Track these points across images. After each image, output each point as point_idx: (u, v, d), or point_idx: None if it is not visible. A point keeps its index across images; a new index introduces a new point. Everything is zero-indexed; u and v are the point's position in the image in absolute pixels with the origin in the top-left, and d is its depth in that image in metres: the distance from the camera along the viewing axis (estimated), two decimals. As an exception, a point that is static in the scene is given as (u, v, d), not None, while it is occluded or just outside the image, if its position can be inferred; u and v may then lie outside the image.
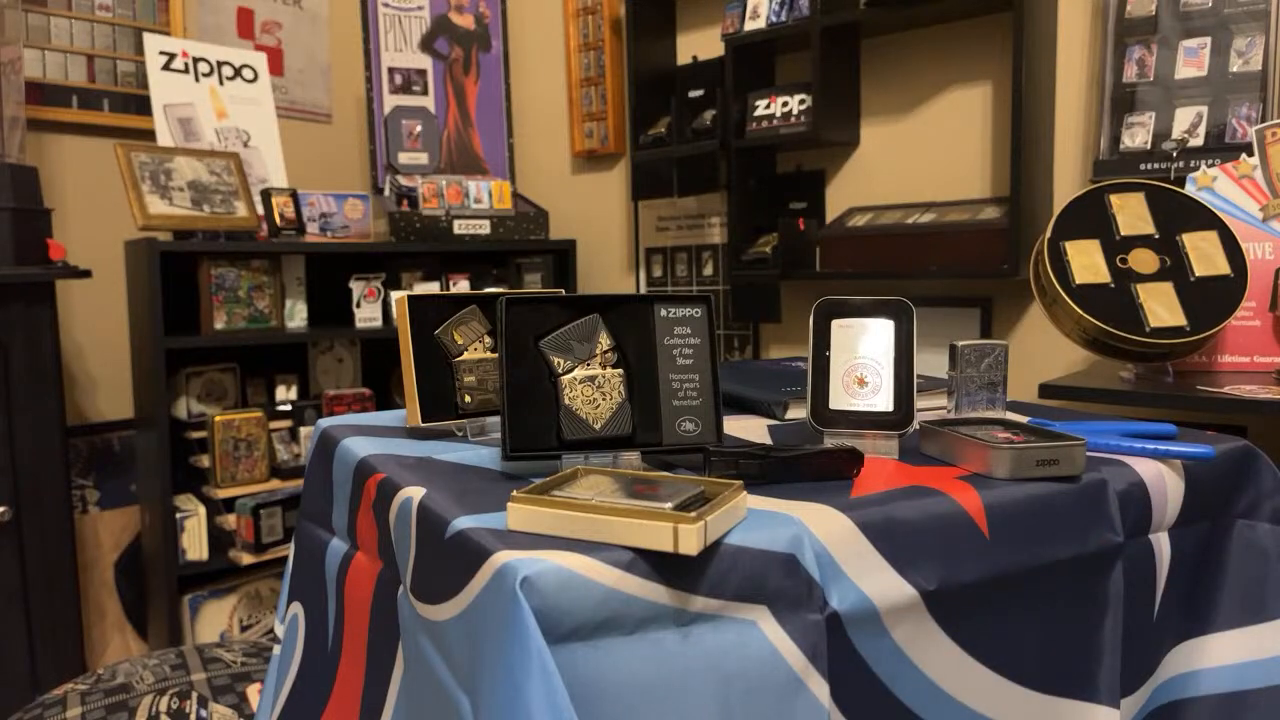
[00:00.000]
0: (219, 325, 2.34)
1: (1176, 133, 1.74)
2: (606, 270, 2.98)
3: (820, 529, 0.67)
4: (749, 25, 2.24)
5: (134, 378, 2.52)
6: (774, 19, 2.19)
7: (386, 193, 2.74)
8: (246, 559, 2.38)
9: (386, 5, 2.85)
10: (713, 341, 0.84)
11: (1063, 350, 1.94)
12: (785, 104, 2.21)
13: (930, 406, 1.10)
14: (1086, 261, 1.38)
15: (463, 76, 2.96)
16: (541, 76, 3.09)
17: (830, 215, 2.35)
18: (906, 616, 0.70)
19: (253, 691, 1.42)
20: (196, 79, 2.48)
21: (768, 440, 0.95)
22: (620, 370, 0.82)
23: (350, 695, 0.89)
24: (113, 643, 2.58)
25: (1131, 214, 1.41)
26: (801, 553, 0.66)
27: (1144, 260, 1.38)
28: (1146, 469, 0.84)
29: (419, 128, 2.82)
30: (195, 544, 2.38)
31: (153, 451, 2.32)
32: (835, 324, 0.89)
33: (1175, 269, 1.37)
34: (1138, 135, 1.78)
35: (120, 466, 2.62)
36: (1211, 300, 1.34)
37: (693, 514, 0.60)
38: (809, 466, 0.78)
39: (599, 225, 2.98)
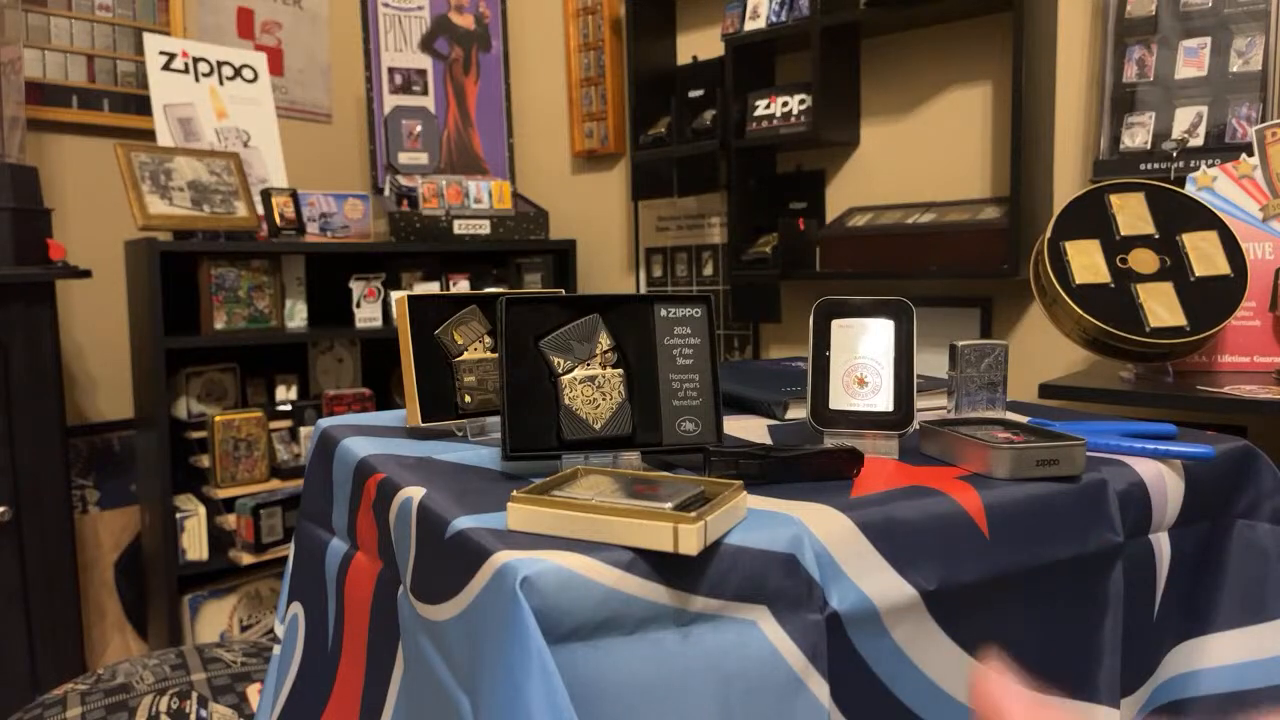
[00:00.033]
0: (219, 325, 2.34)
1: (1176, 133, 1.74)
2: (606, 270, 2.98)
3: (820, 529, 0.67)
4: (749, 25, 2.24)
5: (134, 378, 2.52)
6: (774, 19, 2.19)
7: (386, 193, 2.74)
8: (246, 559, 2.38)
9: (386, 5, 2.85)
10: (713, 341, 0.84)
11: (1063, 350, 1.94)
12: (785, 104, 2.21)
13: (930, 406, 1.10)
14: (1086, 261, 1.38)
15: (463, 76, 2.96)
16: (541, 76, 3.08)
17: (830, 215, 2.35)
18: (906, 616, 0.70)
19: (253, 691, 1.42)
20: (196, 79, 2.48)
21: (768, 440, 0.95)
22: (620, 370, 0.82)
23: (350, 695, 0.88)
24: (113, 643, 2.58)
25: (1131, 214, 1.41)
26: (801, 553, 0.66)
27: (1144, 260, 1.38)
28: (1146, 469, 0.84)
29: (419, 128, 2.82)
30: (195, 544, 2.38)
31: (153, 451, 2.32)
32: (835, 324, 0.89)
33: (1175, 269, 1.37)
34: (1138, 135, 1.78)
35: (120, 466, 2.62)
36: (1211, 300, 1.34)
37: (693, 514, 0.60)
38: (809, 466, 0.78)
39: (599, 225, 2.98)
